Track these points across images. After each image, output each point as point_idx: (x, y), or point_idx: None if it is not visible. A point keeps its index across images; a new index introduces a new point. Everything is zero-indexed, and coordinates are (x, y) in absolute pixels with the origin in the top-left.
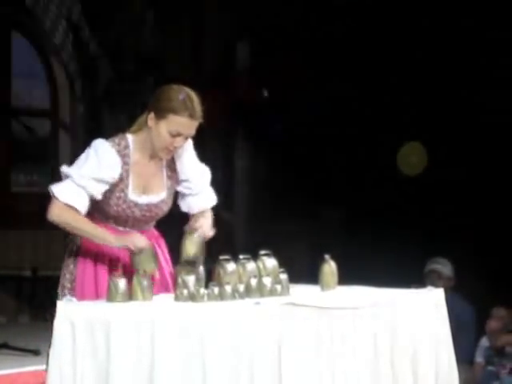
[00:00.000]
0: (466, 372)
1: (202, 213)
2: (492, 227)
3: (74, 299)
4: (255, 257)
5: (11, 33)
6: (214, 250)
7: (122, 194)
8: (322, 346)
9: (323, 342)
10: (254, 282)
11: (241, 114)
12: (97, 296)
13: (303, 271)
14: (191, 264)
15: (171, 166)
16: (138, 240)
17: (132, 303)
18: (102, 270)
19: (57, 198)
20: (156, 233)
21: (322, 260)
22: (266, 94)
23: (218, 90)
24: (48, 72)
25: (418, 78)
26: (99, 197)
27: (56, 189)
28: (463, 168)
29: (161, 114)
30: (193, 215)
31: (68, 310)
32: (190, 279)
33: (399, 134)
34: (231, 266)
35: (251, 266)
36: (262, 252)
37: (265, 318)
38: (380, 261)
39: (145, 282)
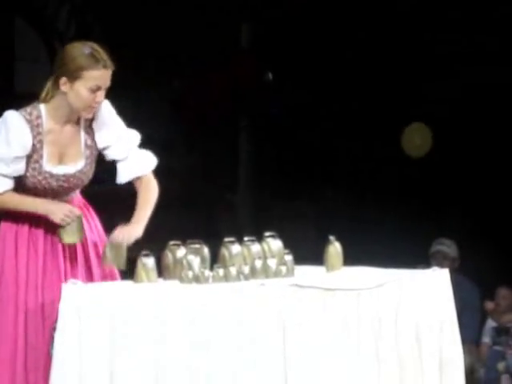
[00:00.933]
0: (471, 352)
1: (142, 202)
2: (497, 208)
3: (79, 282)
4: (260, 238)
5: (14, 17)
6: (219, 232)
7: (37, 165)
8: (326, 327)
9: (328, 322)
10: (258, 263)
11: (243, 97)
12: (17, 273)
13: (308, 253)
14: None
15: (90, 134)
16: (64, 214)
17: (137, 285)
18: (22, 249)
19: None
20: (82, 200)
21: (327, 241)
22: (270, 76)
23: (221, 71)
24: (51, 56)
25: (424, 58)
26: (22, 172)
27: None
28: (468, 149)
29: (74, 75)
30: (136, 186)
31: (73, 293)
32: (195, 261)
33: (403, 115)
34: (236, 248)
35: (256, 247)
36: (267, 234)
37: (270, 299)
38: (385, 242)
39: (149, 264)
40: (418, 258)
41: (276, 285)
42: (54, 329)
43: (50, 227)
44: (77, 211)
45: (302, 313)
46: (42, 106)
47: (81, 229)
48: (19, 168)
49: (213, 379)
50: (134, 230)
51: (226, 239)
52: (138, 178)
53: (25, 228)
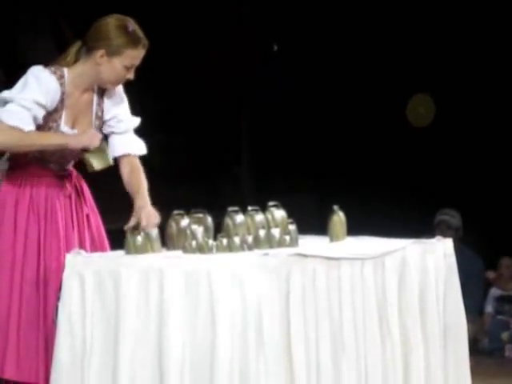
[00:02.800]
0: (474, 322)
1: (137, 182)
2: (500, 179)
3: (83, 252)
4: (264, 208)
5: None
6: (223, 202)
7: (55, 125)
8: (330, 296)
9: (332, 291)
10: (262, 233)
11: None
12: (15, 237)
13: (312, 222)
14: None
15: (100, 106)
16: (93, 138)
17: (141, 255)
18: (22, 213)
19: (3, 123)
20: (76, 173)
21: (331, 211)
22: (275, 47)
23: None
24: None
25: (429, 30)
26: (40, 120)
27: (1, 113)
28: (471, 119)
29: (114, 51)
30: (122, 164)
31: (76, 263)
32: (199, 230)
33: (408, 86)
34: (240, 218)
35: (260, 217)
36: (271, 203)
37: (273, 268)
38: (389, 213)
39: (153, 235)
40: (423, 229)
41: (280, 254)
42: (58, 298)
43: (51, 192)
44: (99, 134)
45: (306, 282)
46: (65, 69)
47: (107, 153)
48: (40, 116)
49: (216, 349)
50: (152, 210)
51: (230, 209)
52: (128, 157)
53: (26, 192)
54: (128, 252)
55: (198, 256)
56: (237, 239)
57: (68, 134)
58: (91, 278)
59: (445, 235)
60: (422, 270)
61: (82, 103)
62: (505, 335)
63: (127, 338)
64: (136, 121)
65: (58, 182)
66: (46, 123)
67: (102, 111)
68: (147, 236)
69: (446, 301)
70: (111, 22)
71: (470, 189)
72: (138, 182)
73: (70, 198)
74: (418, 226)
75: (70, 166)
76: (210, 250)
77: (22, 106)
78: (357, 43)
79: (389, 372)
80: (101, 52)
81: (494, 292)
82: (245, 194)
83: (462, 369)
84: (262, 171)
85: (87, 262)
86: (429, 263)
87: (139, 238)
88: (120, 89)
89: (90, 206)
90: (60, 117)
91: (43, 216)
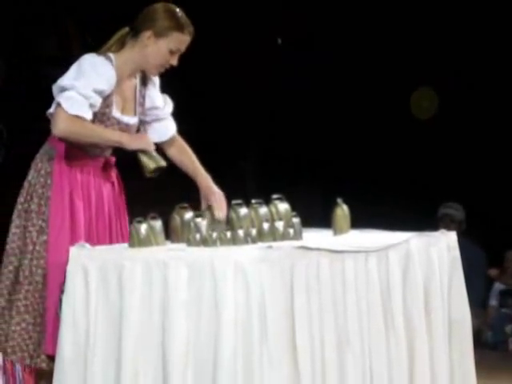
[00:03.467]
0: (477, 315)
1: (191, 159)
2: (504, 172)
3: (87, 244)
4: (267, 201)
5: None
6: (227, 195)
7: (107, 110)
8: (334, 289)
9: (336, 284)
10: (266, 226)
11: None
12: (73, 223)
13: (316, 215)
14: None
15: (141, 93)
16: (150, 141)
17: (144, 248)
18: (77, 196)
19: (65, 111)
20: (113, 160)
21: (335, 204)
22: (279, 40)
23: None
24: None
25: (432, 23)
26: (97, 109)
27: (63, 101)
28: (475, 113)
29: (162, 32)
30: (167, 146)
31: (80, 255)
32: (203, 223)
33: (412, 80)
34: (243, 211)
35: (263, 210)
36: (275, 196)
37: (277, 261)
38: (392, 206)
39: (157, 227)
40: (426, 222)
41: (283, 247)
42: (61, 291)
43: (99, 180)
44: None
45: (310, 274)
46: (112, 56)
47: (159, 155)
48: (98, 101)
49: (220, 342)
50: (220, 192)
51: (234, 202)
52: (172, 139)
53: (77, 179)
54: (132, 245)
55: (201, 249)
56: (241, 232)
57: (126, 135)
58: (95, 271)
59: (448, 228)
60: (426, 263)
61: (128, 89)
62: (508, 328)
63: (131, 331)
64: (171, 105)
65: (103, 167)
66: (100, 109)
67: (144, 98)
68: (151, 229)
69: (451, 294)
70: (160, 6)
71: (474, 182)
72: (191, 160)
73: (113, 184)
74: (422, 219)
75: (110, 152)
76: (213, 242)
77: (82, 94)
78: (360, 37)
79: (393, 364)
80: (148, 33)
81: (498, 286)
82: (249, 188)
83: (466, 362)
84: (267, 164)
85: (91, 255)
86: (433, 256)
87: (143, 231)
88: (156, 77)
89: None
90: (111, 102)
91: (94, 204)
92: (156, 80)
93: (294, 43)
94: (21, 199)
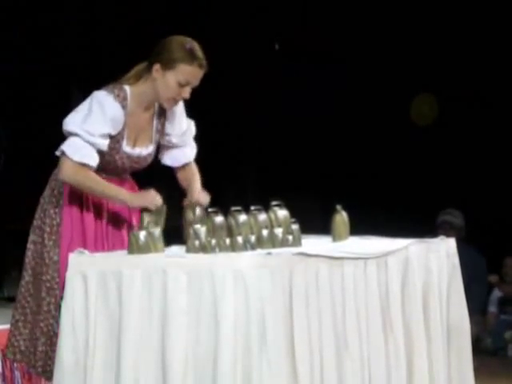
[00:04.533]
0: (477, 322)
1: (193, 176)
2: (503, 179)
3: (86, 251)
4: (267, 208)
5: None
6: (226, 202)
7: (117, 145)
8: (333, 296)
9: (335, 291)
10: (265, 232)
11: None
12: (84, 240)
13: (315, 222)
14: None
15: (161, 120)
16: (155, 199)
17: (144, 255)
18: (89, 217)
19: (69, 158)
20: (132, 181)
21: (334, 210)
22: (276, 46)
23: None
24: None
25: (432, 29)
26: (105, 151)
27: (66, 148)
28: (475, 119)
29: (169, 65)
30: (179, 169)
31: (79, 262)
32: (202, 230)
33: (412, 86)
34: (243, 217)
35: (263, 216)
36: (274, 203)
37: (276, 267)
38: (391, 212)
39: (156, 234)
40: (425, 229)
41: (283, 254)
42: (61, 298)
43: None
44: (160, 199)
45: (309, 282)
46: (128, 88)
47: (164, 217)
48: (105, 145)
49: (219, 349)
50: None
51: (233, 208)
52: (184, 165)
53: (89, 202)
54: (131, 252)
55: (200, 255)
56: (240, 239)
57: (129, 193)
58: (94, 278)
59: (448, 235)
60: (425, 270)
61: (143, 120)
62: (508, 334)
63: (130, 338)
64: (193, 130)
65: (117, 185)
66: (109, 144)
67: (163, 125)
68: (150, 235)
69: (450, 300)
70: (172, 38)
71: (473, 189)
72: (194, 179)
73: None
74: (421, 226)
75: (127, 176)
76: (212, 249)
77: (88, 141)
78: (360, 44)
79: (392, 371)
80: (157, 66)
81: (497, 292)
82: (248, 194)
83: (465, 368)
84: (266, 171)
85: (90, 261)
86: (432, 263)
87: (142, 238)
88: (180, 104)
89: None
90: (122, 137)
91: (107, 224)
92: (176, 108)
93: (293, 53)
94: (36, 215)
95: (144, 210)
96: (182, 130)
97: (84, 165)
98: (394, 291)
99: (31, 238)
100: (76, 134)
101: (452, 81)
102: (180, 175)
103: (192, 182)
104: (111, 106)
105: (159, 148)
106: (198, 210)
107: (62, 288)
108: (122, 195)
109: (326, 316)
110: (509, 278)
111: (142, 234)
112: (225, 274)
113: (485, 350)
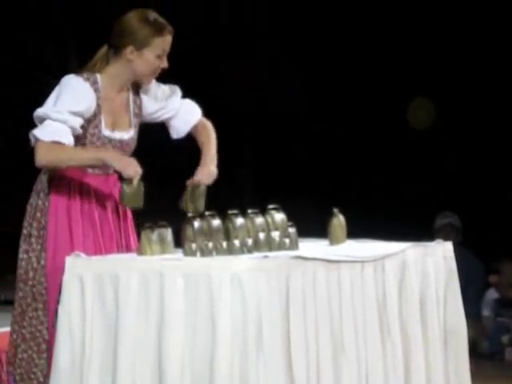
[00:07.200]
0: (473, 325)
1: (205, 139)
2: (502, 182)
3: (82, 254)
4: (264, 211)
5: None
6: (223, 205)
7: (96, 131)
8: (330, 299)
9: (332, 294)
10: (262, 236)
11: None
12: (71, 245)
13: (312, 225)
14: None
15: (137, 103)
16: (136, 167)
17: (140, 257)
18: (75, 217)
19: (41, 140)
20: (116, 177)
21: (331, 214)
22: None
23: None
24: None
25: (429, 33)
26: (79, 130)
27: (37, 132)
28: (472, 122)
29: (143, 44)
30: (193, 135)
31: (76, 265)
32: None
33: (409, 89)
34: (239, 221)
35: (260, 220)
36: (271, 206)
37: (273, 271)
38: (388, 216)
39: (152, 237)
40: (422, 232)
41: (279, 257)
42: (57, 302)
43: (101, 198)
44: (140, 170)
45: (306, 284)
46: (97, 75)
47: (143, 193)
48: (78, 124)
49: (216, 352)
50: (212, 169)
51: (230, 211)
52: (194, 127)
53: (76, 200)
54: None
55: (197, 259)
56: (236, 242)
57: (109, 153)
58: (91, 281)
59: (449, 238)
60: (422, 273)
61: (119, 104)
62: (505, 338)
63: (127, 341)
64: (179, 91)
65: (104, 184)
66: (87, 130)
67: (140, 108)
68: (161, 237)
69: (447, 304)
70: (131, 16)
71: (469, 192)
72: (206, 141)
73: (115, 202)
74: (418, 230)
75: (112, 170)
76: (209, 252)
77: (57, 119)
78: (357, 48)
79: (389, 375)
80: (129, 48)
81: (492, 295)
82: (245, 197)
83: (462, 372)
84: (263, 174)
85: (87, 264)
86: (429, 266)
87: (154, 238)
88: (152, 81)
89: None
90: (100, 122)
91: (97, 222)
92: (152, 84)
93: (291, 55)
94: (24, 223)
95: (124, 180)
96: (166, 100)
97: (56, 142)
98: (391, 295)
99: (22, 247)
100: (46, 117)
101: (450, 85)
102: (196, 138)
103: (204, 150)
104: (80, 85)
105: (166, 128)
106: (202, 187)
107: (52, 292)
108: (103, 154)
109: (322, 319)
110: (506, 280)
111: (154, 235)
112: (222, 277)
113: (482, 354)
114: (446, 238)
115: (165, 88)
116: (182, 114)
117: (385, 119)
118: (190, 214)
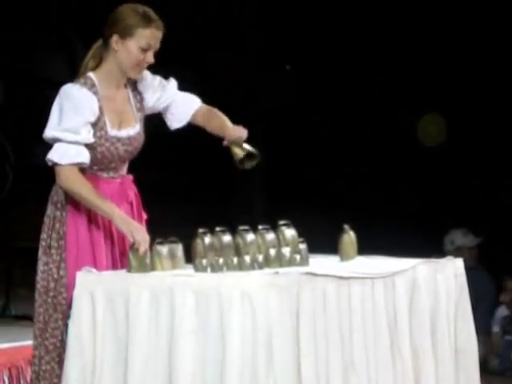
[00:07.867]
0: (484, 342)
1: (214, 114)
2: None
3: (94, 270)
4: (274, 227)
5: None
6: (234, 221)
7: (103, 132)
8: (340, 316)
9: (342, 311)
10: (273, 252)
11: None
12: (93, 256)
13: (323, 241)
14: (252, 157)
15: (137, 98)
16: (144, 236)
17: (151, 273)
18: (96, 226)
19: (59, 164)
20: (131, 178)
21: (342, 230)
22: (288, 68)
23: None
24: None
25: (440, 49)
26: (92, 139)
27: (53, 156)
28: (483, 139)
29: (127, 33)
30: (195, 120)
31: (87, 281)
32: (209, 249)
33: (419, 106)
34: (250, 237)
35: (270, 236)
36: (282, 222)
37: (283, 287)
38: (399, 232)
39: (163, 252)
40: (433, 248)
41: (290, 273)
42: (68, 317)
43: (117, 202)
44: (148, 237)
45: (316, 301)
46: (92, 75)
47: (147, 261)
48: (89, 135)
49: (226, 368)
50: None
51: (241, 227)
52: (195, 112)
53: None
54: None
55: (208, 275)
56: (247, 258)
57: (117, 211)
58: (102, 297)
59: (465, 255)
60: (433, 290)
61: (120, 102)
62: None
63: (137, 357)
64: (174, 82)
65: (120, 188)
66: (94, 134)
67: (141, 102)
68: (157, 254)
69: (457, 321)
70: (122, 7)
71: (481, 208)
72: (218, 116)
73: (131, 204)
74: (428, 246)
75: (125, 171)
76: (220, 268)
77: (70, 141)
78: (367, 64)
79: None
80: (115, 37)
81: (501, 311)
82: (256, 213)
83: None
84: (274, 190)
85: (98, 280)
86: (439, 283)
87: (164, 253)
88: (146, 73)
89: (141, 220)
90: (105, 123)
91: (115, 230)
92: (146, 77)
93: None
94: (43, 235)
95: (131, 248)
96: (164, 90)
97: (76, 164)
98: (401, 311)
99: (42, 260)
100: (57, 139)
101: (460, 100)
102: (202, 123)
103: (217, 120)
104: (79, 93)
105: (165, 120)
106: (245, 145)
107: (69, 305)
108: (112, 211)
109: (333, 336)
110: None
111: (165, 251)
112: (232, 293)
113: (492, 371)
114: (462, 255)
115: (160, 78)
116: (181, 101)
117: (395, 134)
118: (252, 164)
